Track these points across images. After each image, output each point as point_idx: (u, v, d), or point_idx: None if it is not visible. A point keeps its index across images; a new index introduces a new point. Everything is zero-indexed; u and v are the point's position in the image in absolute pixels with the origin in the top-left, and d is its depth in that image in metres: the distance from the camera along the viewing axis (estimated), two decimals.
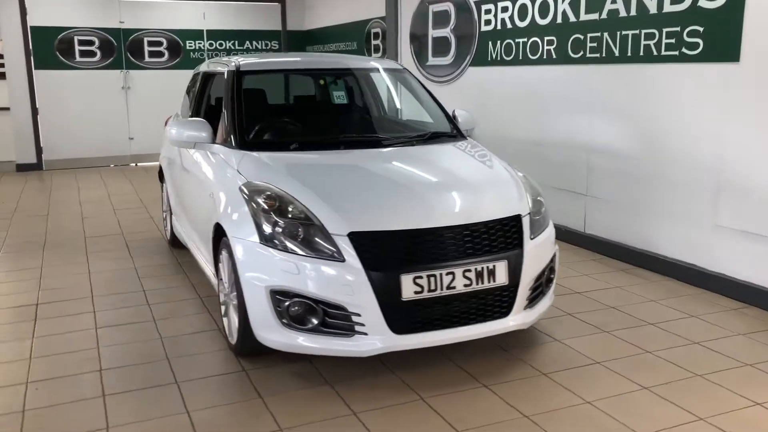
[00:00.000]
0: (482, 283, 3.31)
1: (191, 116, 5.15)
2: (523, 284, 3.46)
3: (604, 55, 5.48)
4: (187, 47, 11.62)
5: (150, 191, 8.90)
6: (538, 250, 3.56)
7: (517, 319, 3.47)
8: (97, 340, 3.97)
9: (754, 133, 4.34)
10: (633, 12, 5.16)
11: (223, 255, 3.74)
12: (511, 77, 6.61)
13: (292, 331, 3.26)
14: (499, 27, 6.75)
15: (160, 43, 11.48)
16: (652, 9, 4.98)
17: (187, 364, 3.64)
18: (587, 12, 5.61)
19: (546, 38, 6.10)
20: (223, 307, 3.92)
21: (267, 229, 3.31)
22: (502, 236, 3.43)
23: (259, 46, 12.02)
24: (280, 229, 3.28)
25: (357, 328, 3.18)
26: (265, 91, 4.92)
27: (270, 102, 4.84)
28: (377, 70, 4.87)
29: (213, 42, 11.75)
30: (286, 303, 3.23)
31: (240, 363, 3.62)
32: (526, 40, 6.37)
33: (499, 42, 6.76)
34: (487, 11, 6.90)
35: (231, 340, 3.73)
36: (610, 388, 3.32)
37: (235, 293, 3.60)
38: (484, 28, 6.99)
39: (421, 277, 3.19)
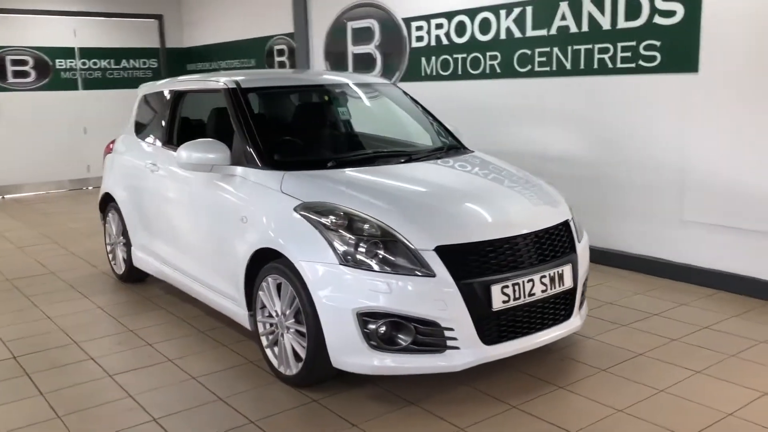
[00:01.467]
0: (555, 287, 3.42)
1: (165, 137, 4.79)
2: (579, 286, 3.62)
3: (554, 68, 5.83)
4: (57, 66, 10.69)
5: (48, 225, 8.09)
6: (584, 253, 3.73)
7: (577, 320, 3.62)
8: (122, 388, 3.57)
9: (715, 135, 4.85)
10: (585, 28, 5.55)
11: (269, 282, 3.55)
12: (450, 92, 6.80)
13: (381, 352, 3.16)
14: (433, 43, 6.93)
15: (25, 62, 10.46)
16: (606, 25, 5.39)
17: (246, 401, 3.40)
18: (534, 28, 5.94)
19: (489, 54, 6.38)
20: (263, 339, 3.70)
21: (345, 249, 3.19)
22: (560, 241, 3.57)
23: (137, 65, 11.34)
24: (363, 249, 3.17)
25: (449, 342, 3.16)
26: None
27: (278, 119, 4.63)
28: (373, 85, 4.84)
29: (86, 61, 10.91)
30: (375, 324, 3.13)
31: (304, 394, 3.44)
32: (465, 55, 6.60)
33: (434, 58, 6.94)
34: (419, 28, 7.07)
35: (286, 371, 3.53)
36: (669, 375, 3.55)
37: (293, 320, 3.43)
38: (415, 44, 7.14)
39: (507, 287, 3.24)
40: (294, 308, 3.40)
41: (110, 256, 5.69)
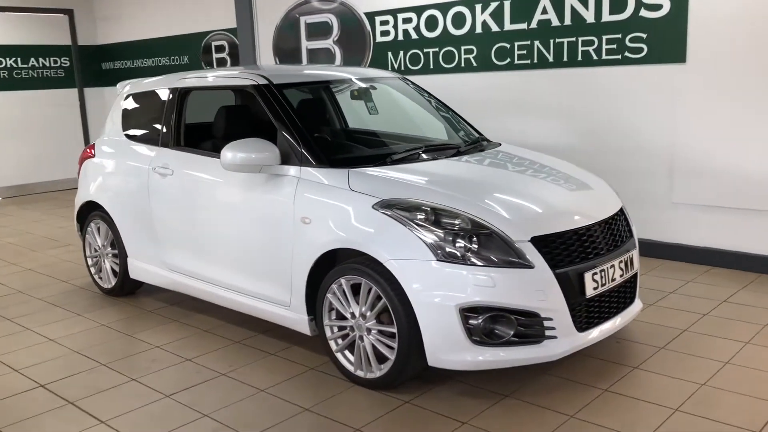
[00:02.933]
0: (628, 271, 3.54)
1: (174, 138, 4.48)
2: (638, 270, 3.75)
3: (535, 61, 5.99)
4: None
5: None
6: (635, 238, 3.87)
7: (639, 303, 3.75)
8: (191, 408, 3.33)
9: (704, 121, 5.17)
10: (567, 22, 5.73)
11: (342, 283, 3.42)
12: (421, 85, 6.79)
13: (483, 347, 3.14)
14: (400, 38, 6.91)
15: None
16: (590, 19, 5.60)
17: (336, 409, 3.26)
18: (513, 22, 6.07)
19: (463, 47, 6.44)
20: (332, 343, 3.57)
21: (440, 244, 3.13)
22: (622, 227, 3.69)
23: (47, 63, 10.50)
24: (461, 243, 3.13)
25: (547, 332, 3.18)
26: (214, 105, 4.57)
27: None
28: (389, 79, 4.75)
29: None
30: (478, 319, 3.10)
31: (392, 396, 3.35)
32: (437, 49, 6.64)
33: (401, 52, 6.93)
34: (384, 22, 7.02)
35: (367, 374, 3.42)
36: (724, 348, 3.76)
37: (374, 321, 3.34)
38: (380, 38, 7.09)
39: (596, 273, 3.30)
40: (378, 308, 3.30)
41: (93, 269, 5.25)
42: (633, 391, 3.31)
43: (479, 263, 3.10)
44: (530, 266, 3.13)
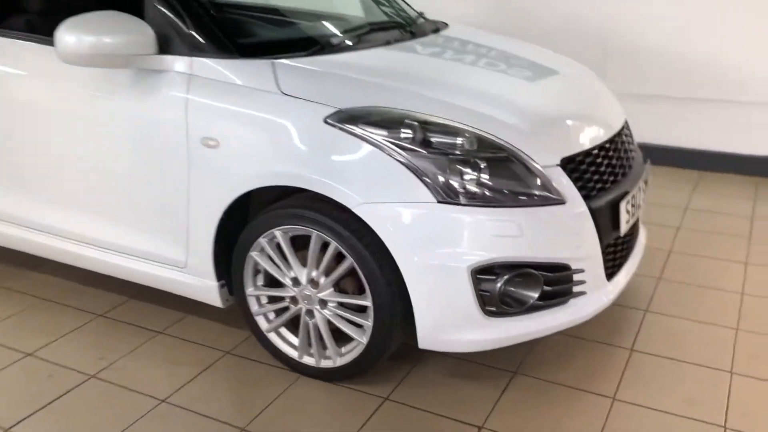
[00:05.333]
0: (644, 195, 2.72)
1: None
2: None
3: None
4: None
5: None
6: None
7: (644, 232, 2.97)
8: None
9: None
10: None
11: (278, 236, 2.30)
12: None
13: (500, 319, 2.20)
14: None
15: None
16: None
17: (284, 423, 2.21)
18: None
19: None
20: (261, 319, 2.47)
21: (438, 177, 2.08)
22: (632, 136, 2.85)
23: None
24: (471, 175, 2.10)
25: (575, 288, 2.31)
26: None
27: None
28: None
29: None
30: (496, 282, 2.14)
31: (361, 391, 2.36)
32: None
33: None
34: None
35: (320, 362, 2.39)
36: (727, 275, 3.16)
37: (331, 290, 2.28)
38: None
39: (629, 202, 2.45)
40: (340, 273, 2.23)
41: None
42: (663, 348, 2.59)
43: (496, 202, 2.10)
44: (561, 201, 2.18)
